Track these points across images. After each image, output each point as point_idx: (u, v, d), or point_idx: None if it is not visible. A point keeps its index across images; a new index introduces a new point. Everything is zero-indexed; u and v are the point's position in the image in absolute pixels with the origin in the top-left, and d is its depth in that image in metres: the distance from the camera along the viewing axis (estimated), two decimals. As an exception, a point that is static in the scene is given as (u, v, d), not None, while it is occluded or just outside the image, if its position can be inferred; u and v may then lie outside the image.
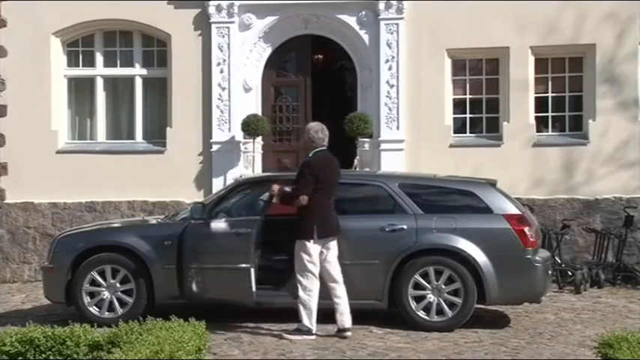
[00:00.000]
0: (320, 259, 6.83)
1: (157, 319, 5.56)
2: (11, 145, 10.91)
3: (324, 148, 6.93)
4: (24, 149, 10.85)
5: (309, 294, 6.76)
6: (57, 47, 11.08)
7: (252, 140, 10.63)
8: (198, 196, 10.36)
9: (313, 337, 6.75)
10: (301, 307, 6.78)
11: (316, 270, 6.80)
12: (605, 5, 10.35)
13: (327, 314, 7.37)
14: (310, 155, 6.91)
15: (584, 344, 6.59)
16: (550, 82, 10.75)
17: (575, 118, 10.75)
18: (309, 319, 6.77)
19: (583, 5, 10.35)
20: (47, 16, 10.82)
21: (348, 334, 6.81)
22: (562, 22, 10.42)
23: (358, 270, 7.22)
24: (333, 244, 6.92)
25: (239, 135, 10.69)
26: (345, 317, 6.86)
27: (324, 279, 6.87)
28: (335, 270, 6.90)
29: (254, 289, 7.02)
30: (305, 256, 6.76)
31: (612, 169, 10.40)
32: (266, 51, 11.02)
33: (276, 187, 6.92)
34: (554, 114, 10.76)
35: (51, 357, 5.13)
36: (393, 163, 10.36)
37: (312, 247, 6.77)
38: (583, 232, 10.26)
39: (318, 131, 6.90)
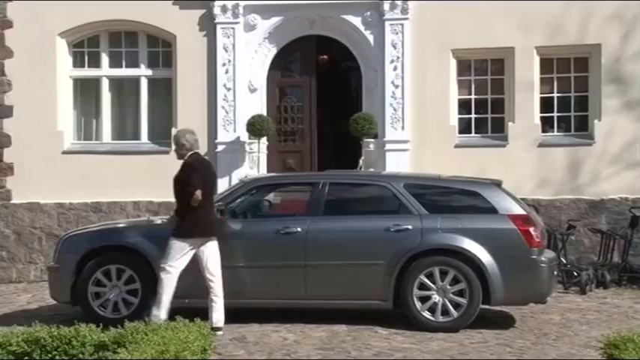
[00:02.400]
0: (200, 258, 6.96)
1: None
2: (17, 146, 10.94)
3: (197, 151, 7.16)
4: (30, 150, 10.88)
5: (166, 289, 6.85)
6: (62, 48, 11.12)
7: (257, 141, 10.64)
8: (204, 197, 10.35)
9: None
10: (157, 299, 6.87)
11: (180, 268, 6.90)
12: (611, 5, 10.33)
13: (331, 315, 7.38)
14: (187, 157, 7.07)
15: (590, 345, 6.58)
16: (555, 83, 10.73)
17: (581, 118, 10.73)
18: (158, 309, 6.82)
19: (588, 5, 10.33)
20: (53, 17, 10.85)
21: (220, 333, 6.84)
22: (567, 23, 10.40)
23: (363, 270, 7.22)
24: (212, 244, 7.02)
25: (244, 135, 10.70)
26: (220, 316, 6.95)
27: (204, 277, 6.98)
28: (214, 268, 7.00)
29: None
30: (176, 253, 6.87)
31: (618, 169, 10.37)
32: (271, 51, 11.03)
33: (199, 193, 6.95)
34: (559, 114, 10.74)
35: (57, 357, 5.13)
36: (397, 163, 10.35)
37: (186, 245, 6.88)
38: (588, 232, 10.24)
39: (191, 136, 7.13)
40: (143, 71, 11.20)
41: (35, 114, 10.87)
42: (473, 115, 10.87)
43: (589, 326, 7.50)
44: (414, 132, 10.58)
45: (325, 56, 11.88)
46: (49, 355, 5.14)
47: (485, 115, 10.87)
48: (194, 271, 7.30)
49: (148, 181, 10.73)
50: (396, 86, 10.56)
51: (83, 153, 11.01)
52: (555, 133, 10.75)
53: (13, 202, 10.93)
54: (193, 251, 6.96)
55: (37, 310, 8.48)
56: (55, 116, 11.00)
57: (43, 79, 10.91)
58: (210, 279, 7.00)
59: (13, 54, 10.98)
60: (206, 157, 7.18)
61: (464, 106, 10.86)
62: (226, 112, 10.79)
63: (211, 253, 7.03)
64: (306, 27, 10.96)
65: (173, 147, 7.33)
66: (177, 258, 6.91)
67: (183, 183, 6.95)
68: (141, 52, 11.20)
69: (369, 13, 10.62)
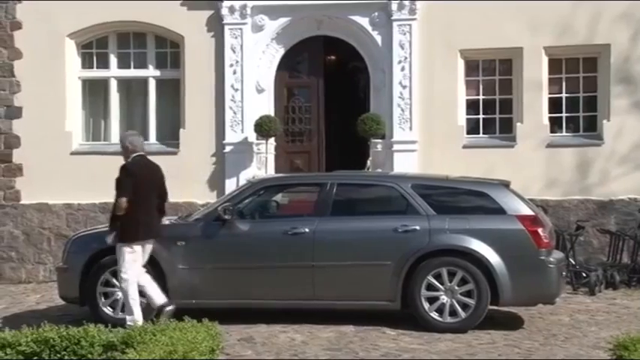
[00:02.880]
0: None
1: (171, 320, 5.58)
2: (26, 147, 10.99)
3: (142, 153, 7.19)
4: (38, 150, 10.93)
5: (130, 296, 6.92)
6: (71, 49, 11.16)
7: (264, 141, 10.65)
8: (211, 197, 10.39)
9: (170, 307, 6.94)
10: (126, 307, 6.97)
11: (137, 272, 7.00)
12: (620, 5, 10.28)
13: (338, 315, 7.38)
14: (129, 160, 7.11)
15: (599, 346, 6.55)
16: (564, 83, 10.69)
17: (590, 118, 10.69)
18: (132, 315, 6.90)
19: (597, 5, 10.29)
20: (62, 18, 10.89)
21: (170, 308, 6.91)
22: (576, 23, 10.36)
23: (371, 271, 7.22)
24: (149, 247, 7.12)
25: (252, 136, 10.71)
26: (160, 296, 7.02)
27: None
28: (142, 274, 7.09)
29: None
30: (127, 258, 6.92)
31: (627, 169, 10.33)
32: (279, 52, 11.04)
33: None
34: (568, 114, 10.70)
35: (66, 357, 5.16)
36: (405, 163, 10.34)
37: (134, 248, 6.95)
38: (597, 233, 10.19)
39: (134, 138, 7.24)
40: (151, 72, 11.23)
41: (44, 115, 10.92)
42: (481, 116, 10.84)
43: (598, 327, 7.47)
44: (422, 132, 10.56)
45: (333, 57, 11.88)
46: (58, 355, 5.17)
47: (493, 115, 10.84)
48: (201, 271, 7.33)
49: (156, 182, 10.74)
50: (404, 87, 10.55)
51: (91, 154, 11.04)
52: (564, 134, 10.71)
53: (22, 202, 10.98)
54: (141, 251, 7.06)
55: (46, 311, 8.51)
56: (63, 117, 11.05)
57: (52, 80, 10.95)
58: (143, 279, 7.07)
59: (22, 55, 11.04)
60: (147, 159, 7.20)
61: (472, 106, 10.84)
62: (234, 113, 10.80)
63: (148, 254, 7.15)
64: (313, 27, 10.96)
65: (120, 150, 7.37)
66: (131, 263, 6.96)
67: (116, 187, 7.00)
68: (149, 53, 11.22)
69: (376, 13, 10.61)
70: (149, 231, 7.04)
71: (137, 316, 6.85)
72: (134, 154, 7.11)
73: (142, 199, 6.95)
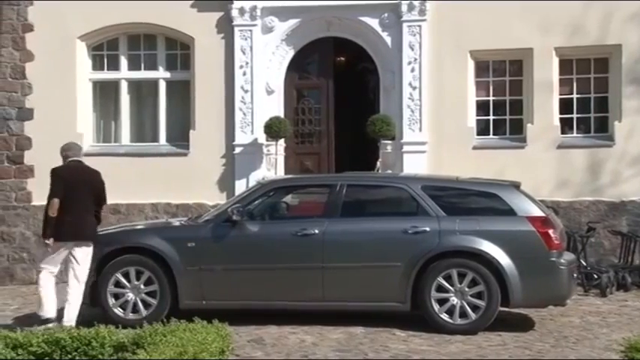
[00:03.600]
0: (71, 261, 7.25)
1: (181, 321, 5.60)
2: (37, 148, 11.04)
3: (77, 159, 7.54)
4: (50, 152, 10.89)
5: (44, 288, 7.20)
6: (82, 51, 11.21)
7: (274, 142, 10.66)
8: (221, 199, 10.41)
9: (53, 323, 7.01)
10: (42, 299, 7.21)
11: (56, 268, 7.29)
12: (631, 5, 10.23)
13: (348, 317, 7.37)
14: (61, 164, 7.47)
15: (611, 348, 6.51)
16: (575, 84, 10.64)
17: (601, 119, 10.64)
18: (42, 311, 7.18)
19: (608, 5, 10.24)
20: (73, 21, 10.95)
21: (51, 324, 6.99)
22: (587, 23, 10.32)
23: (381, 272, 7.21)
24: (84, 249, 7.29)
25: (261, 137, 10.72)
26: (72, 316, 7.15)
27: (68, 278, 7.29)
28: (81, 273, 7.27)
29: None
30: (51, 254, 7.25)
31: (638, 170, 10.27)
32: (288, 53, 11.05)
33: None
34: (579, 115, 10.65)
35: (77, 357, 5.18)
36: (415, 165, 10.32)
37: (59, 247, 7.20)
38: (609, 234, 10.14)
39: (70, 145, 7.66)
40: (161, 74, 11.27)
41: (55, 116, 10.97)
42: (491, 117, 10.81)
43: (609, 329, 7.43)
44: (432, 133, 10.54)
45: (342, 58, 11.88)
46: (69, 356, 5.19)
47: (503, 116, 10.81)
48: (211, 272, 7.34)
49: (166, 183, 10.79)
50: (414, 88, 10.54)
51: (102, 155, 11.07)
52: (575, 135, 10.66)
53: (33, 204, 11.03)
54: (66, 252, 7.25)
55: (58, 312, 8.54)
56: (74, 119, 11.10)
57: (63, 82, 11.01)
58: (72, 283, 7.23)
59: (33, 57, 11.10)
60: (81, 164, 7.52)
61: (482, 107, 10.81)
62: (244, 114, 10.82)
63: (81, 257, 7.28)
64: (323, 29, 10.97)
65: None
66: (52, 259, 7.26)
67: (49, 189, 7.31)
68: (159, 55, 11.26)
69: (386, 14, 10.60)
70: (74, 233, 7.22)
71: (46, 313, 7.15)
72: (69, 160, 7.47)
73: (69, 200, 7.20)
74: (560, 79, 10.56)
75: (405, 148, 10.51)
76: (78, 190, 7.28)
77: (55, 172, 7.38)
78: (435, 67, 10.53)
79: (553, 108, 10.50)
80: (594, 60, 10.62)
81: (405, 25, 10.54)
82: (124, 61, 11.32)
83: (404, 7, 10.51)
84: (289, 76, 11.12)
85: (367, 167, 10.43)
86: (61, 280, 7.53)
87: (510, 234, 7.18)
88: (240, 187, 10.49)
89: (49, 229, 7.21)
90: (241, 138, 10.80)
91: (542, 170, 10.28)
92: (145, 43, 11.29)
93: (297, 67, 11.17)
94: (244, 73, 10.81)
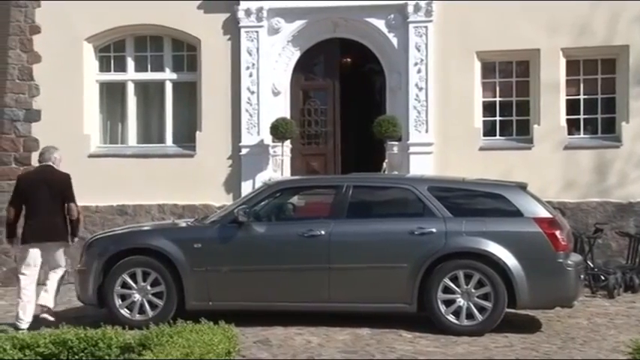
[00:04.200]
0: (44, 260, 7.58)
1: (187, 322, 5.60)
2: (45, 150, 11.08)
3: (46, 163, 7.74)
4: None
5: (25, 292, 7.47)
6: (89, 53, 11.25)
7: (280, 144, 10.67)
8: (227, 200, 10.42)
9: (24, 330, 7.13)
10: (20, 303, 7.47)
11: (32, 270, 7.54)
12: (639, 5, 10.19)
13: (354, 318, 7.36)
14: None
15: (618, 350, 6.49)
16: (582, 84, 10.61)
17: (608, 120, 10.60)
18: (23, 312, 7.46)
19: (616, 6, 10.21)
20: (80, 22, 10.99)
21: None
22: (594, 24, 10.29)
23: (387, 273, 7.20)
24: (54, 248, 7.58)
25: (268, 138, 10.73)
26: (50, 298, 7.54)
27: (48, 273, 7.63)
28: (52, 264, 7.59)
29: None
30: (24, 258, 7.54)
31: (646, 171, 10.23)
32: (295, 54, 11.06)
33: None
34: (586, 116, 10.62)
35: (83, 358, 5.19)
36: (421, 166, 10.31)
37: (29, 249, 7.49)
38: (616, 235, 10.11)
39: (41, 153, 7.90)
40: (168, 75, 11.30)
41: (62, 118, 11.02)
42: (497, 118, 10.79)
43: (617, 330, 7.40)
44: (438, 134, 10.53)
45: (349, 59, 11.89)
46: (76, 357, 5.20)
47: (510, 117, 10.78)
48: (217, 273, 7.34)
49: (172, 184, 10.82)
50: (420, 89, 10.53)
51: (109, 156, 11.13)
52: (582, 136, 10.64)
53: (40, 205, 11.05)
54: (38, 253, 7.52)
55: (64, 312, 8.55)
56: (81, 120, 11.14)
57: (70, 84, 11.05)
58: (51, 275, 7.62)
59: (41, 59, 11.14)
60: (47, 168, 7.65)
61: (488, 108, 10.79)
62: (250, 116, 10.83)
63: (53, 256, 7.59)
64: (329, 30, 10.97)
65: None
66: (26, 262, 7.53)
67: None
68: (166, 56, 11.29)
69: (392, 15, 10.60)
70: (39, 235, 7.46)
71: (22, 315, 7.38)
72: (40, 164, 7.76)
73: (31, 204, 7.50)
74: (567, 80, 10.54)
75: (412, 149, 10.50)
76: (39, 193, 7.50)
77: (17, 179, 7.81)
78: (441, 68, 10.52)
79: (560, 109, 10.48)
80: (601, 61, 10.59)
81: (411, 26, 10.53)
82: (130, 63, 11.35)
83: (410, 8, 10.51)
84: (295, 77, 11.13)
85: (373, 168, 10.43)
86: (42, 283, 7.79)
87: (517, 235, 7.16)
88: (247, 188, 10.51)
89: (7, 232, 7.68)
90: (247, 139, 10.82)
91: (549, 171, 10.26)
92: (152, 44, 11.32)
93: (303, 68, 11.18)
94: (250, 75, 10.83)
